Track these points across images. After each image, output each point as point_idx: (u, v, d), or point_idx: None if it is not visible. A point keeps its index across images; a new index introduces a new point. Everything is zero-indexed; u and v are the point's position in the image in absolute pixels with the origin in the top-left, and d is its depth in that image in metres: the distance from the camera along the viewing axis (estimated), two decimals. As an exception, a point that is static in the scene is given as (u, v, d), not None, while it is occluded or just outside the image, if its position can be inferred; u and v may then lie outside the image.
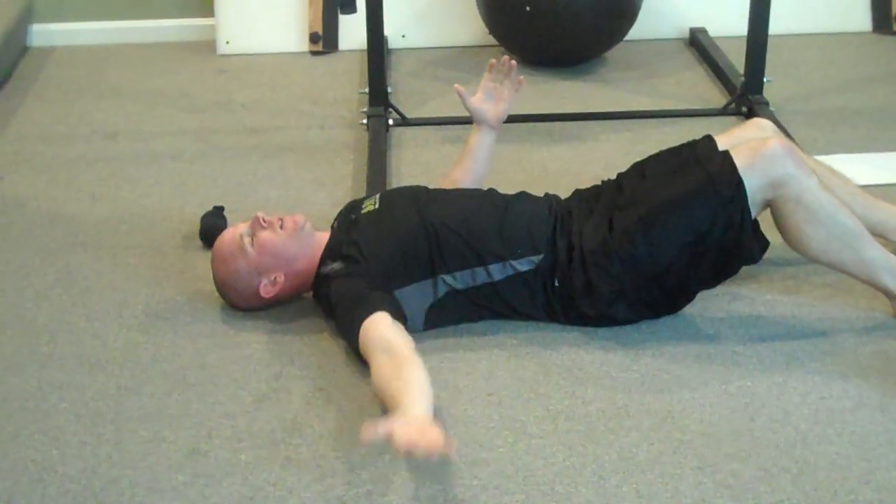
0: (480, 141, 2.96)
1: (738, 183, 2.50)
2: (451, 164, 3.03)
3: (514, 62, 2.90)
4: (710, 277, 2.64)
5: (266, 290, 2.66)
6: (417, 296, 2.60)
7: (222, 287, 2.72)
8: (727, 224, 2.52)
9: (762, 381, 2.47)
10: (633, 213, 2.58)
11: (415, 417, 2.12)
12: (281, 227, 2.66)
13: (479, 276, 2.61)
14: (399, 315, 2.51)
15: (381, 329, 2.43)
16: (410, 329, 2.58)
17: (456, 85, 2.93)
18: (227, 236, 2.70)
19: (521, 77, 2.94)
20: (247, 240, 2.65)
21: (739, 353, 2.57)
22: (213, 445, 2.31)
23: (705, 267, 2.59)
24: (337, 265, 2.63)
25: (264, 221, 2.66)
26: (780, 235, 2.60)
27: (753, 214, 2.54)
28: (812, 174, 2.53)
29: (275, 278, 2.66)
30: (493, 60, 2.92)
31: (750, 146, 2.56)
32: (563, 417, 2.37)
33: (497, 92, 2.93)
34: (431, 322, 2.63)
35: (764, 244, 2.61)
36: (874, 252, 2.57)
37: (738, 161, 2.52)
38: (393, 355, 2.35)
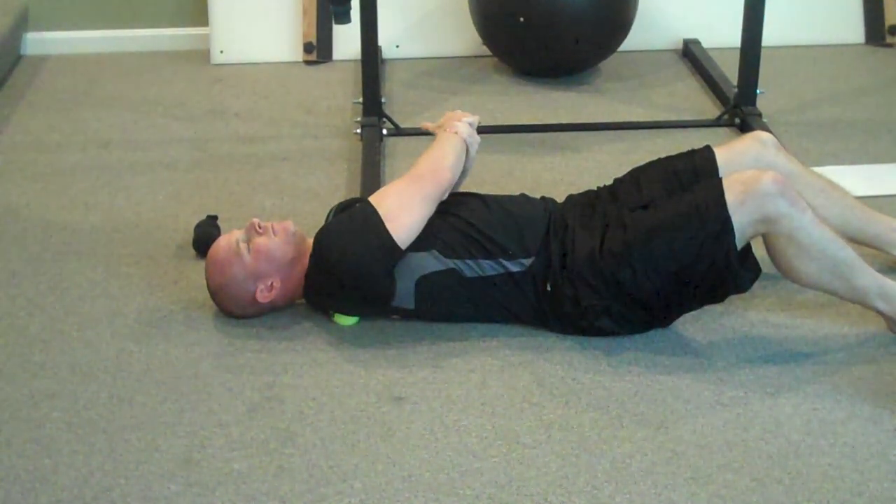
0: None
1: (726, 220, 2.48)
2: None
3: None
4: (695, 304, 2.64)
5: (263, 295, 2.66)
6: (415, 264, 2.60)
7: (217, 293, 2.72)
8: (712, 259, 2.50)
9: (755, 393, 2.47)
10: (621, 235, 2.58)
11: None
12: (274, 233, 2.67)
13: (471, 267, 2.62)
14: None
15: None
16: (401, 305, 2.62)
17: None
18: (223, 242, 2.70)
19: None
20: (243, 245, 2.65)
21: (732, 364, 2.57)
22: (206, 454, 2.31)
23: (690, 295, 2.59)
24: None
25: (260, 227, 2.66)
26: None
27: (742, 244, 2.51)
28: (806, 210, 2.49)
29: (271, 283, 2.66)
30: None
31: (743, 180, 2.51)
32: (557, 427, 2.37)
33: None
34: (422, 297, 2.62)
35: (754, 274, 2.58)
36: (865, 280, 2.55)
37: (729, 196, 2.49)
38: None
